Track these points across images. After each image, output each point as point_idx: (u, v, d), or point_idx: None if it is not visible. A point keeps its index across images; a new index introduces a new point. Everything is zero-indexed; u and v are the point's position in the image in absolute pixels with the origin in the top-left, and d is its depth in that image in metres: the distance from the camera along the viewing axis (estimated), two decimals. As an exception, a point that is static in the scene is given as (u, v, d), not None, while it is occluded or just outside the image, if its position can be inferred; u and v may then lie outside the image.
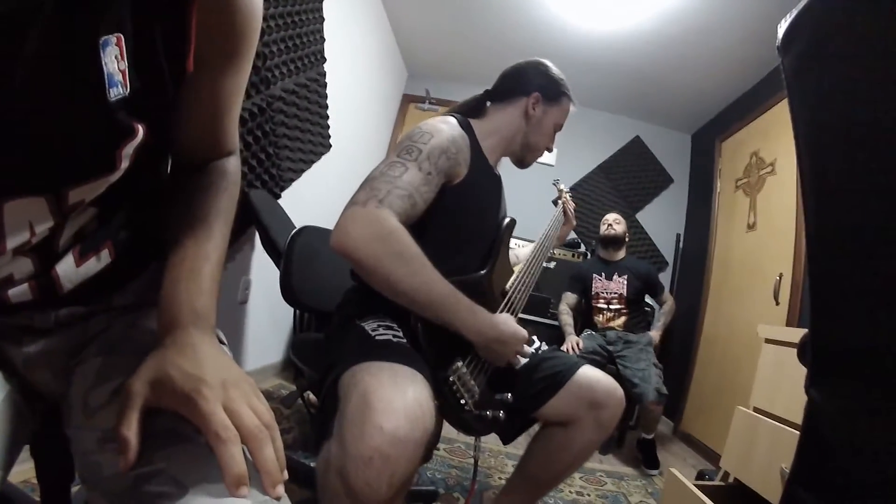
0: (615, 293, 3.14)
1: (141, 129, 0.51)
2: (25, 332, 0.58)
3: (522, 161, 1.43)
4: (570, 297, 3.27)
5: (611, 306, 3.14)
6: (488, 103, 1.41)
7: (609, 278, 3.18)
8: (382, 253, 0.96)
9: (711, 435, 3.12)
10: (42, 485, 0.76)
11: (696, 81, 3.75)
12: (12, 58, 0.39)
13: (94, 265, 0.59)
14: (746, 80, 3.54)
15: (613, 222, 3.26)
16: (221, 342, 0.64)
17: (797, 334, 1.60)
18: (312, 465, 1.77)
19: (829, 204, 0.56)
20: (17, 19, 0.38)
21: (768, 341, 1.74)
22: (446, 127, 1.18)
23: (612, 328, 3.09)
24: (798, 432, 1.35)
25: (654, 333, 3.07)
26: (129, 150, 0.51)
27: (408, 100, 4.81)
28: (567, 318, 3.17)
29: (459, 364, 1.07)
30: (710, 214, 3.90)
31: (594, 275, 3.22)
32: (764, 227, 3.15)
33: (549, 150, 1.43)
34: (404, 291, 0.99)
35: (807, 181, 0.59)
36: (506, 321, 1.11)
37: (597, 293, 3.19)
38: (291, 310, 1.84)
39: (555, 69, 1.39)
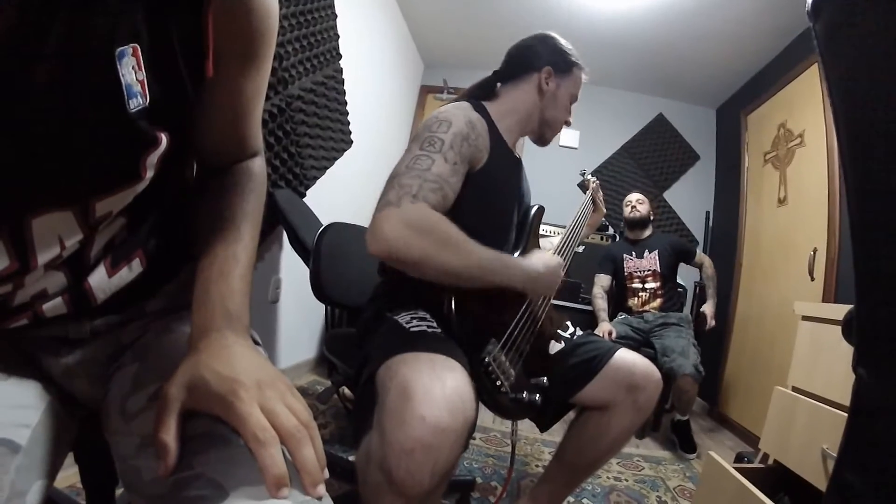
0: (648, 270, 3.08)
1: (164, 138, 0.51)
2: (62, 344, 0.59)
3: (542, 138, 1.39)
4: (603, 279, 3.21)
5: (646, 285, 3.08)
6: (498, 84, 1.38)
7: (640, 256, 3.13)
8: (430, 246, 0.94)
9: (748, 416, 3.07)
10: (87, 489, 0.79)
11: (716, 54, 3.65)
12: (30, 64, 0.40)
13: (126, 275, 0.60)
14: (769, 49, 3.43)
15: (637, 203, 3.20)
16: (256, 342, 0.64)
17: (835, 310, 1.57)
18: (350, 458, 1.80)
19: (869, 176, 0.54)
20: (33, 20, 0.39)
21: (805, 318, 1.70)
22: (462, 112, 1.16)
23: (648, 311, 3.04)
24: (838, 411, 1.33)
25: (708, 308, 3.01)
26: (152, 159, 0.52)
27: (425, 91, 4.80)
28: (601, 303, 3.11)
29: (495, 346, 1.06)
30: (739, 190, 3.81)
31: (624, 255, 3.17)
32: (795, 201, 3.07)
33: (568, 125, 1.40)
34: (461, 275, 0.99)
35: (846, 154, 0.56)
36: (538, 257, 1.18)
37: (629, 273, 3.13)
38: (322, 306, 1.86)
39: (561, 40, 1.36)
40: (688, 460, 2.53)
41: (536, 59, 1.32)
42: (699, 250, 3.38)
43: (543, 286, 1.16)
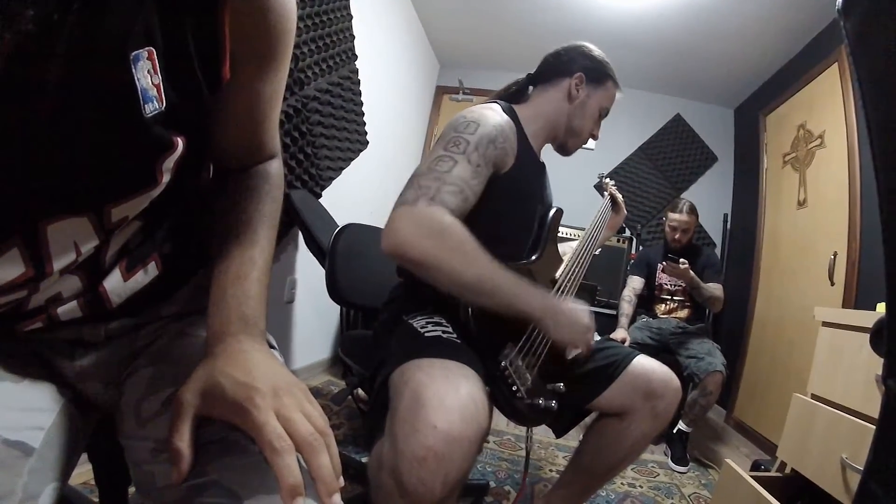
0: (679, 285, 3.00)
1: (180, 142, 0.51)
2: (77, 346, 0.59)
3: (565, 146, 1.37)
4: (636, 282, 3.12)
5: (674, 297, 3.03)
6: (531, 88, 1.37)
7: None
8: (439, 249, 0.93)
9: (765, 423, 3.02)
10: (100, 487, 0.79)
11: (735, 53, 3.59)
12: (42, 66, 0.39)
13: (141, 278, 0.59)
14: (789, 48, 3.37)
15: (682, 230, 2.97)
16: (272, 347, 0.63)
17: (856, 317, 1.54)
18: (363, 460, 1.81)
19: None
20: (45, 21, 0.37)
21: (825, 324, 1.67)
22: (492, 114, 1.14)
23: (672, 318, 2.99)
24: (858, 420, 1.30)
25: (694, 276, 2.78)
26: (168, 163, 0.51)
27: (441, 91, 4.78)
28: (627, 308, 3.03)
29: (512, 350, 1.04)
30: (758, 192, 3.75)
31: (660, 264, 3.07)
32: (815, 204, 3.01)
33: (595, 138, 1.38)
34: (467, 284, 0.94)
35: (878, 157, 0.55)
36: (565, 301, 1.08)
37: (660, 284, 3.08)
38: (337, 307, 1.87)
39: (598, 51, 1.34)
40: (705, 467, 2.48)
41: (570, 64, 1.31)
42: (719, 276, 3.12)
43: (561, 326, 1.02)
